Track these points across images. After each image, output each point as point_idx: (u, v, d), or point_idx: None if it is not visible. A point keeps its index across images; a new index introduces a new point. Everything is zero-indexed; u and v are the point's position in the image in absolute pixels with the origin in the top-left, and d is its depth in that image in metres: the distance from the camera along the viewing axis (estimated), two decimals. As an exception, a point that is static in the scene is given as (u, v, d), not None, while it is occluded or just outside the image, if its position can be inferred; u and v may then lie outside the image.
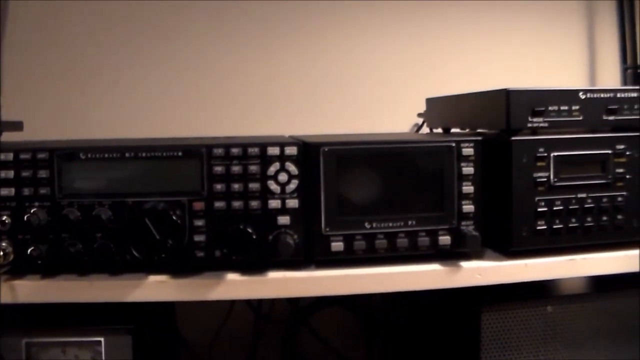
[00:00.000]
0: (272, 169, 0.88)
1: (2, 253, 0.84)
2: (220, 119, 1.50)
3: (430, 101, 1.32)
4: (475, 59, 1.59)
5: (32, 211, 0.86)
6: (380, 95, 1.55)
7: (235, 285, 0.88)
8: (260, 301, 1.37)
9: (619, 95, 0.98)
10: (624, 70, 1.59)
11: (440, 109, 1.27)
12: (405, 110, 1.50)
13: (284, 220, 0.89)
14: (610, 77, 1.63)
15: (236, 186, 0.88)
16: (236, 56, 1.51)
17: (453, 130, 1.21)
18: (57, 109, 1.45)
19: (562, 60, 1.63)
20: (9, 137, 1.12)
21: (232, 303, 1.35)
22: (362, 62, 1.55)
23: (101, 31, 1.47)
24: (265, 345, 1.43)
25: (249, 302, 1.36)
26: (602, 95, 0.97)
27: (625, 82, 1.58)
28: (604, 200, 0.97)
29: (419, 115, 1.44)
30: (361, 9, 1.55)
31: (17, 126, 1.17)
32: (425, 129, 1.44)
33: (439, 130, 1.28)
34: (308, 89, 1.53)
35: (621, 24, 1.59)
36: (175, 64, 1.49)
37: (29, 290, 0.86)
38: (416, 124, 1.51)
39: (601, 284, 1.04)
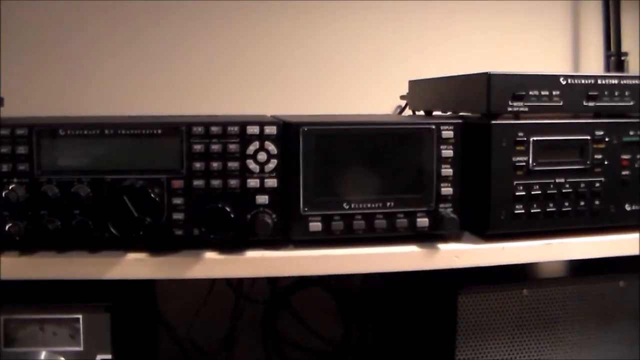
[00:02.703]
0: (252, 148, 0.88)
1: (-21, 229, 0.84)
2: (202, 98, 1.49)
3: (412, 83, 1.32)
4: (460, 42, 1.59)
5: (10, 187, 0.85)
6: (363, 77, 1.55)
7: (213, 264, 0.88)
8: (240, 281, 1.37)
9: (599, 81, 0.98)
10: (607, 58, 1.59)
11: (423, 92, 1.27)
12: (389, 92, 1.50)
13: (262, 199, 0.89)
14: (594, 64, 1.64)
15: (215, 165, 0.88)
16: (218, 37, 1.50)
17: (435, 112, 1.21)
18: (38, 85, 1.44)
19: (546, 45, 1.63)
20: (-12, 113, 1.11)
21: (213, 282, 1.35)
22: (346, 43, 1.55)
23: (84, 9, 1.45)
24: (245, 325, 1.44)
25: (229, 282, 1.37)
26: (582, 81, 0.98)
27: (608, 69, 1.59)
28: (582, 185, 0.97)
29: (402, 97, 1.44)
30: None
31: (-3, 102, 1.16)
32: (407, 111, 1.44)
33: (421, 112, 1.28)
34: (292, 69, 1.53)
35: (606, 11, 1.60)
36: (157, 44, 1.48)
37: (7, 266, 0.86)
38: (399, 106, 1.51)
39: (578, 268, 1.05)
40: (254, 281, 1.38)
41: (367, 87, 1.55)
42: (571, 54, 1.65)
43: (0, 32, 1.42)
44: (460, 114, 1.08)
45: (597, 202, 0.98)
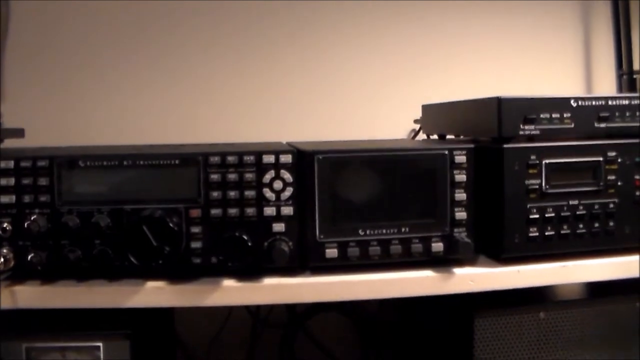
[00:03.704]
0: (268, 176, 0.90)
1: (2, 259, 0.85)
2: (218, 126, 1.51)
3: (426, 108, 1.33)
4: (473, 65, 1.60)
5: (32, 218, 0.87)
6: (378, 102, 1.56)
7: (231, 291, 0.89)
8: (258, 306, 1.38)
9: (610, 102, 0.99)
10: (619, 76, 1.59)
11: (436, 116, 1.28)
12: (403, 116, 1.52)
13: (279, 227, 0.90)
14: (606, 82, 1.64)
15: (232, 194, 0.89)
16: (235, 64, 1.53)
17: (448, 136, 1.22)
18: (57, 116, 1.46)
19: (558, 65, 1.64)
20: (9, 143, 1.14)
21: (231, 308, 1.36)
22: (359, 68, 1.57)
23: (101, 39, 1.48)
24: (263, 350, 1.44)
25: (247, 307, 1.38)
26: (593, 103, 0.98)
27: (620, 88, 1.59)
28: (596, 207, 0.98)
29: (416, 121, 1.46)
30: (358, 15, 1.56)
31: (18, 133, 1.18)
32: (422, 135, 1.45)
33: (435, 136, 1.29)
34: (306, 95, 1.55)
35: (616, 29, 1.60)
36: (174, 72, 1.51)
37: (29, 295, 0.88)
38: (413, 130, 1.53)
39: (594, 290, 1.05)
40: (271, 306, 1.39)
41: (382, 111, 1.56)
42: (583, 73, 1.66)
43: (23, 64, 1.45)
44: (472, 137, 1.09)
45: (611, 223, 0.98)
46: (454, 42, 1.60)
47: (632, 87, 1.56)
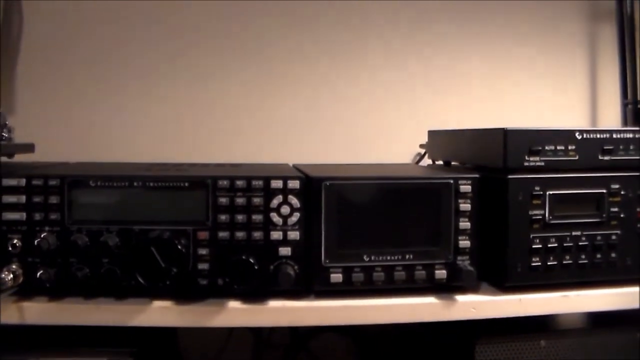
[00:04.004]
0: (275, 201, 0.91)
1: (12, 275, 0.86)
2: (224, 144, 1.52)
3: (432, 133, 1.34)
4: (479, 93, 1.61)
5: (42, 236, 0.89)
6: (383, 125, 1.57)
7: (236, 313, 0.91)
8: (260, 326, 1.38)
9: (615, 135, 1.00)
10: (624, 105, 1.60)
11: (442, 142, 1.30)
12: (408, 140, 1.53)
13: (285, 251, 0.91)
14: (611, 111, 1.65)
15: (240, 217, 0.91)
16: (243, 85, 1.54)
17: (453, 163, 1.24)
18: (67, 130, 1.48)
19: (563, 93, 1.66)
20: (19, 158, 1.15)
21: (232, 327, 1.37)
22: (367, 91, 1.58)
23: (113, 56, 1.50)
24: (264, 369, 1.45)
25: (249, 327, 1.38)
26: (598, 136, 0.99)
27: (625, 117, 1.60)
28: (598, 238, 0.99)
29: (421, 146, 1.47)
30: (366, 40, 1.58)
31: (29, 148, 1.20)
32: (426, 160, 1.46)
33: (440, 162, 1.30)
34: (313, 117, 1.56)
35: (622, 59, 1.61)
36: (185, 90, 1.52)
37: (37, 311, 0.89)
38: (418, 154, 1.54)
39: (595, 320, 1.06)
40: (273, 327, 1.39)
41: (387, 134, 1.57)
42: (589, 101, 1.67)
43: (30, 78, 1.47)
44: (477, 165, 1.09)
45: (613, 255, 1.00)
46: (462, 71, 1.61)
47: (637, 116, 1.56)
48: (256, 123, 1.54)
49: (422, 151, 1.50)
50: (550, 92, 1.65)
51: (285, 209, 0.91)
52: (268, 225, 0.91)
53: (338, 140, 1.56)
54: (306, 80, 1.56)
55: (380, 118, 1.58)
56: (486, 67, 1.63)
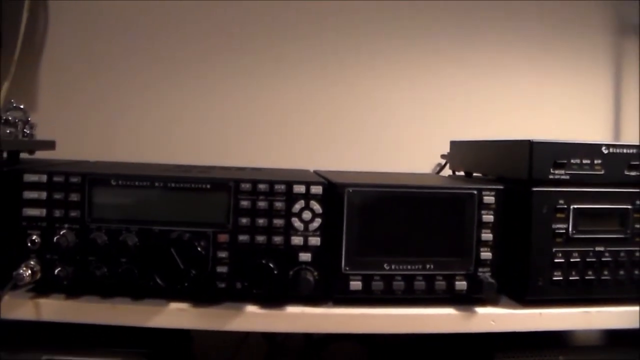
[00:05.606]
0: (297, 206, 0.91)
1: (30, 271, 0.86)
2: (245, 148, 1.53)
3: (454, 144, 1.33)
4: (501, 103, 1.61)
5: (61, 233, 0.88)
6: (404, 134, 1.58)
7: (253, 318, 0.90)
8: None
9: (641, 151, 0.99)
10: (648, 121, 1.59)
11: (464, 153, 1.29)
12: (428, 149, 1.52)
13: (305, 257, 0.91)
14: (634, 126, 1.64)
15: (261, 221, 0.90)
16: (267, 92, 1.55)
17: (475, 174, 1.23)
18: (88, 129, 1.48)
19: (587, 107, 1.65)
20: (40, 155, 1.15)
21: (247, 332, 1.36)
22: (388, 99, 1.58)
23: (137, 57, 1.51)
24: (277, 375, 1.44)
25: (263, 332, 1.37)
26: (625, 151, 0.98)
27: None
28: (622, 254, 0.97)
29: (442, 156, 1.46)
30: (394, 50, 1.58)
31: (50, 145, 1.20)
32: (447, 170, 1.45)
33: (461, 173, 1.29)
34: (335, 124, 1.56)
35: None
36: (207, 93, 1.53)
37: (53, 308, 0.89)
38: (439, 164, 1.53)
39: (615, 337, 1.04)
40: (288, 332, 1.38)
41: (407, 143, 1.57)
42: (612, 116, 1.66)
43: (53, 76, 1.47)
44: (500, 176, 1.08)
45: (636, 272, 0.98)
46: (484, 82, 1.61)
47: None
48: (277, 129, 1.54)
49: (443, 161, 1.49)
50: (574, 106, 1.64)
51: (306, 215, 0.91)
52: (289, 230, 0.90)
53: (357, 148, 1.56)
54: (329, 89, 1.57)
55: (401, 128, 1.57)
56: (508, 80, 1.62)
